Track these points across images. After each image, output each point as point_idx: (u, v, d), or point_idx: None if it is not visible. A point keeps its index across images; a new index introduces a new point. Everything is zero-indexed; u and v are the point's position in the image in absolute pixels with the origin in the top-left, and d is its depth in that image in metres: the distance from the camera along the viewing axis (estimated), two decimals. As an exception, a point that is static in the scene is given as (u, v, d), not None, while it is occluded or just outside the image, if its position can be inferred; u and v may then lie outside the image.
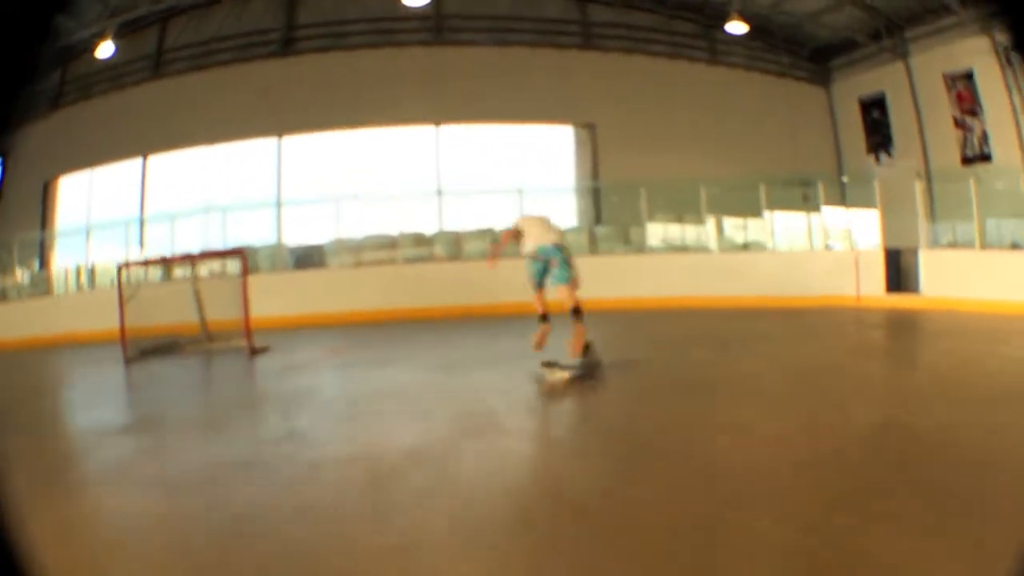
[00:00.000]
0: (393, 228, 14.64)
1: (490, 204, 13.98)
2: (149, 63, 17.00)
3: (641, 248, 13.85)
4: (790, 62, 17.84)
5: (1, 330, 13.70)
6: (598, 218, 15.91)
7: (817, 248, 13.76)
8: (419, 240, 14.23)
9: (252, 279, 14.59)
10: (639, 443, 4.68)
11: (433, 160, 16.37)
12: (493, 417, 5.51)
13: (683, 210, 14.21)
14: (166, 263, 12.85)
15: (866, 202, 14.02)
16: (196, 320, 11.09)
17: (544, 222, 7.45)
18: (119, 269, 11.87)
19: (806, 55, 18.05)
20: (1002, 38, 13.60)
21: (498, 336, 9.94)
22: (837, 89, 18.09)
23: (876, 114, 17.66)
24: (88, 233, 17.01)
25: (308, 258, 14.93)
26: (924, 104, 16.02)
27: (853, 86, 17.64)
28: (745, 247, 14.19)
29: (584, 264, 12.64)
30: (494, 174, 15.35)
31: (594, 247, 13.87)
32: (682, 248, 13.95)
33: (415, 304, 12.96)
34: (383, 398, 6.54)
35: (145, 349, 10.45)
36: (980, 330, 9.13)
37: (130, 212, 16.93)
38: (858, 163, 17.26)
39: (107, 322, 11.12)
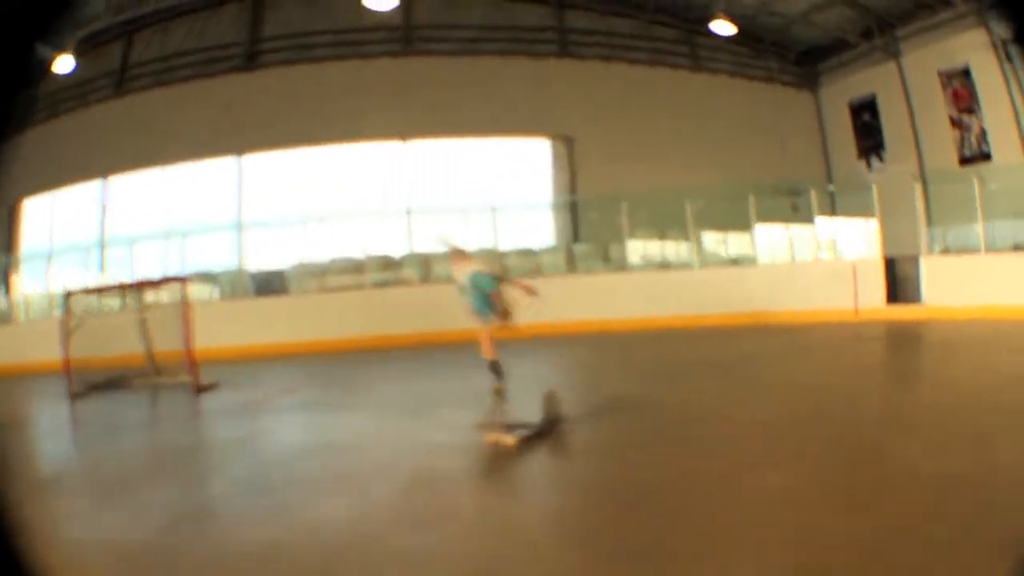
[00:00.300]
0: (359, 251, 13.80)
1: (462, 223, 13.15)
2: (112, 80, 16.28)
3: (622, 266, 13.01)
4: (776, 67, 17.13)
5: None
6: (576, 235, 15.07)
7: (809, 260, 12.93)
8: (387, 263, 13.38)
9: (211, 307, 13.88)
10: (643, 542, 3.42)
11: (402, 177, 15.49)
12: (450, 490, 4.55)
13: (667, 225, 13.39)
14: (111, 291, 12.01)
15: (858, 210, 13.27)
16: (144, 352, 10.26)
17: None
18: (65, 297, 10.97)
19: (793, 59, 17.35)
20: (1001, 31, 12.91)
21: (471, 370, 9.04)
22: (825, 93, 17.37)
23: (867, 117, 16.94)
24: (50, 257, 16.18)
25: (270, 284, 14.09)
26: (918, 104, 15.31)
27: (842, 89, 16.93)
28: (734, 262, 13.37)
29: (562, 284, 11.91)
30: (466, 191, 14.49)
31: (572, 266, 13.04)
32: (666, 265, 13.11)
33: (384, 331, 12.09)
34: (324, 455, 5.63)
35: (93, 384, 9.75)
36: (995, 338, 8.41)
37: (91, 235, 16.24)
38: (848, 169, 16.50)
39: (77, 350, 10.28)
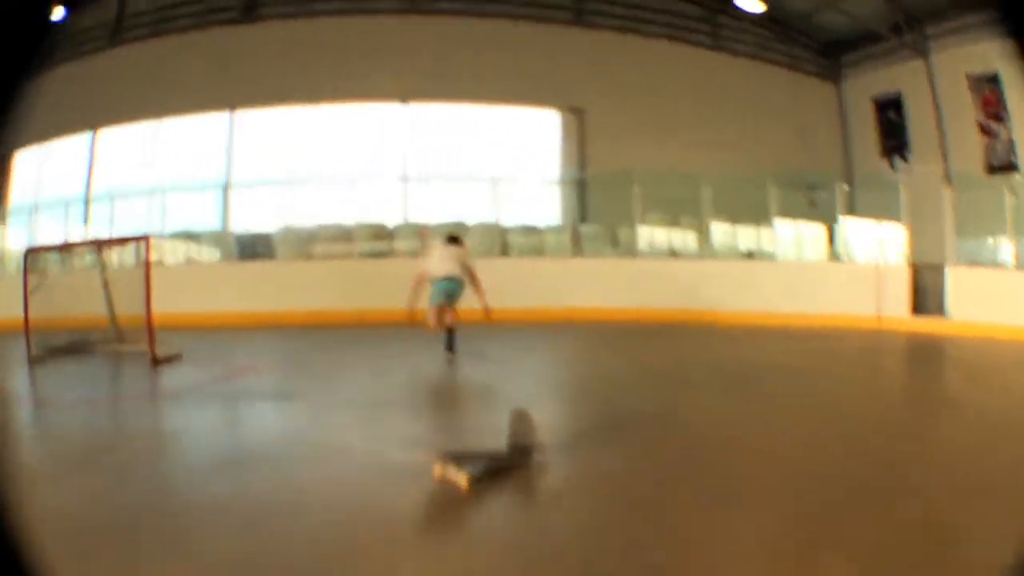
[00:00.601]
0: (350, 217, 12.86)
1: (461, 193, 12.24)
2: (106, 30, 15.21)
3: (631, 251, 12.16)
4: (799, 54, 16.27)
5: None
6: (584, 215, 14.17)
7: (828, 260, 12.19)
8: (379, 233, 12.44)
9: (192, 269, 12.97)
10: None
11: (400, 142, 14.46)
12: (360, 560, 3.20)
13: (679, 210, 12.56)
14: (75, 248, 11.09)
15: (879, 211, 12.52)
16: (107, 316, 9.49)
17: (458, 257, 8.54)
18: (25, 255, 10.25)
19: (817, 48, 16.49)
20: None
21: (453, 356, 8.32)
22: (849, 86, 16.53)
23: (892, 115, 16.15)
24: (35, 211, 15.25)
25: (255, 247, 13.18)
26: (945, 106, 14.52)
27: (867, 84, 16.10)
28: (749, 255, 12.59)
29: (566, 268, 11.07)
30: (467, 160, 13.51)
31: (578, 248, 12.16)
32: (677, 254, 12.30)
33: (371, 304, 11.21)
34: (233, 475, 4.42)
35: (54, 347, 9.11)
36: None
37: (77, 189, 15.28)
38: (869, 168, 15.73)
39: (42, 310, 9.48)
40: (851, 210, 13.51)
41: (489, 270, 11.68)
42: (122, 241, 10.37)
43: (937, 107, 14.69)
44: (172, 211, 13.76)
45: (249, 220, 14.02)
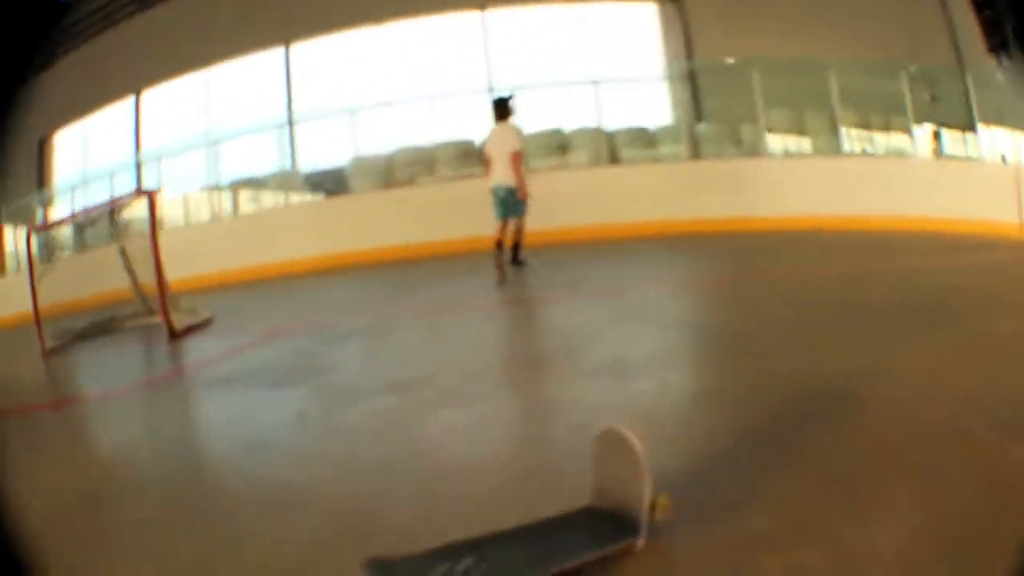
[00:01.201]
0: (430, 139, 11.83)
1: (558, 100, 11.09)
2: None
3: (756, 151, 11.00)
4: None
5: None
6: (699, 114, 12.76)
7: (963, 160, 11.07)
8: (466, 152, 11.39)
9: (256, 216, 12.12)
10: None
11: (480, 53, 13.05)
12: None
13: (804, 104, 11.35)
14: (81, 220, 10.46)
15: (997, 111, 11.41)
16: (130, 287, 8.64)
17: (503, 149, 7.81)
18: (28, 234, 9.51)
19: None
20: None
21: (534, 305, 6.94)
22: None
23: (987, 12, 14.84)
24: (84, 187, 14.57)
25: (326, 184, 12.25)
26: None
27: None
28: (884, 153, 11.44)
29: (684, 173, 10.02)
30: (559, 65, 12.20)
31: (695, 151, 11.04)
32: (807, 153, 11.10)
33: (456, 234, 10.29)
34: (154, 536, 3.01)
35: (73, 333, 8.30)
36: None
37: (125, 157, 14.48)
38: (981, 66, 14.42)
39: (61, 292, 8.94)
40: (973, 109, 12.34)
41: (593, 181, 10.79)
42: (124, 202, 9.26)
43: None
44: (231, 160, 12.93)
45: (318, 157, 12.99)
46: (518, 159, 7.64)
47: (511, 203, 7.78)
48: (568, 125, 11.50)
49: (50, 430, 5.13)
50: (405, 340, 6.09)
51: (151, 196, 8.18)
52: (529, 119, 9.80)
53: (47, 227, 10.75)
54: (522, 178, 7.71)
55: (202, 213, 12.81)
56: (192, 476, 3.75)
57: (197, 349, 6.96)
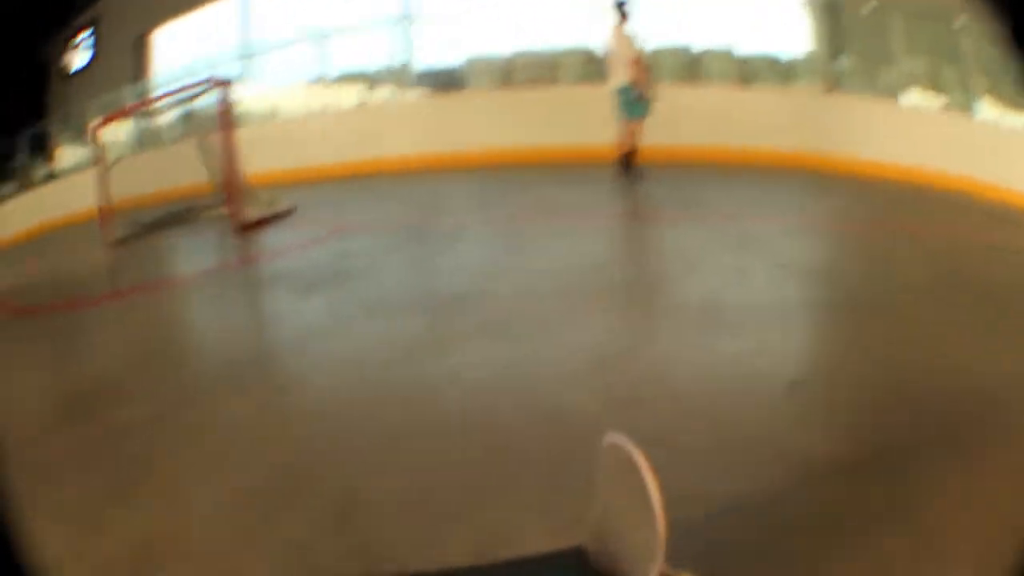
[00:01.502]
0: (553, 44, 11.62)
1: (688, 15, 10.56)
2: None
3: (892, 93, 10.22)
4: None
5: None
6: (839, 47, 11.93)
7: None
8: (589, 58, 11.15)
9: (365, 111, 12.17)
10: None
11: None
12: None
13: (943, 52, 10.36)
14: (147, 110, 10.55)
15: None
16: (211, 179, 8.65)
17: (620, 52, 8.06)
18: (92, 131, 9.24)
19: None
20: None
21: (634, 222, 6.49)
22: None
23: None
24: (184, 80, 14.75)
25: (442, 81, 12.21)
26: None
27: None
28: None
29: (817, 106, 9.48)
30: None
31: (832, 84, 10.38)
32: (944, 107, 10.19)
33: (572, 140, 10.20)
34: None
35: (153, 221, 8.43)
36: None
37: (231, 50, 13.79)
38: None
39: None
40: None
41: (720, 101, 10.35)
42: (194, 91, 9.09)
43: None
44: (343, 54, 12.66)
45: (435, 55, 12.66)
46: (637, 61, 8.05)
47: (629, 101, 8.02)
48: (698, 45, 10.99)
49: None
50: (472, 251, 5.69)
51: (224, 86, 8.16)
52: (655, 32, 9.53)
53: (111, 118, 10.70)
54: (640, 74, 8.02)
55: (311, 105, 12.73)
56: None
57: (258, 243, 7.11)
